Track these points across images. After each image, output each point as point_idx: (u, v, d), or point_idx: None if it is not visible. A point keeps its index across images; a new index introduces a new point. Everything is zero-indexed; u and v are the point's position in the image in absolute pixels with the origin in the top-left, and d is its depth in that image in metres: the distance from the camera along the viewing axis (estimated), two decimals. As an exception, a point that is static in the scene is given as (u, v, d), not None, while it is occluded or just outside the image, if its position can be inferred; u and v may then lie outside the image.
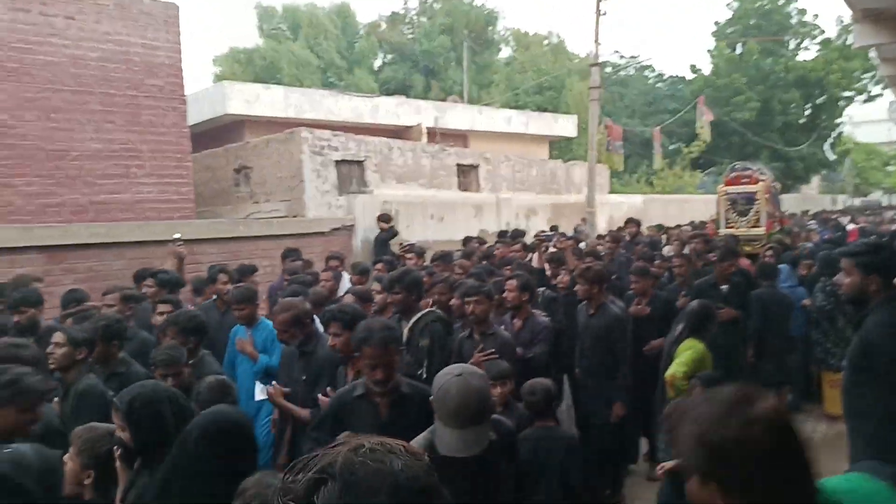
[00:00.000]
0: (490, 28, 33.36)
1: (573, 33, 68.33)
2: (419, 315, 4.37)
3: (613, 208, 16.46)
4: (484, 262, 7.18)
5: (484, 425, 2.28)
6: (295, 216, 10.12)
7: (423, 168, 12.30)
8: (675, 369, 3.94)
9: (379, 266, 6.83)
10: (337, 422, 2.88)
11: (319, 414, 3.37)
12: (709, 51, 32.04)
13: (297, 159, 10.26)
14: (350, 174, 11.03)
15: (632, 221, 10.70)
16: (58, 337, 3.55)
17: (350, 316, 3.52)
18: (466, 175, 13.53)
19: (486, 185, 13.65)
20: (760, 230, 8.89)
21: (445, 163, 12.80)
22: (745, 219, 9.05)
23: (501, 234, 10.70)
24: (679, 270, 6.35)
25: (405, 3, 34.74)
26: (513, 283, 4.72)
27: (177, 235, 6.56)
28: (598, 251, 7.85)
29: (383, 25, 33.34)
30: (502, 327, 4.60)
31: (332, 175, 10.57)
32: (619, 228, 10.99)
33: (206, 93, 14.58)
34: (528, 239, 9.88)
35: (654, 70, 35.39)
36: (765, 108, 29.35)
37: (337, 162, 10.71)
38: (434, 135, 16.42)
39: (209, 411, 2.24)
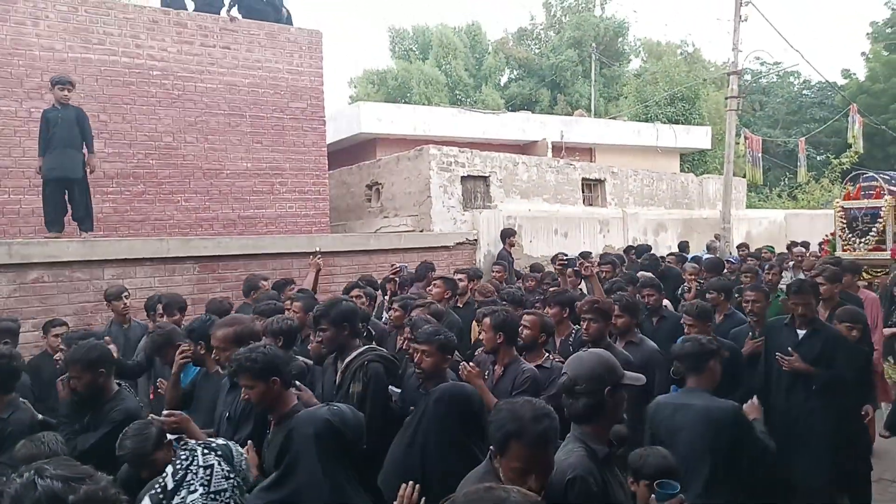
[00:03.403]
0: (620, 39, 32.72)
1: (710, 41, 65.30)
2: (355, 353, 3.60)
3: (751, 224, 15.54)
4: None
5: None
6: (421, 231, 10.46)
7: (548, 183, 12.28)
8: None
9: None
10: None
11: None
12: (863, 54, 29.53)
13: (424, 175, 10.61)
14: (475, 189, 11.24)
15: (742, 246, 10.06)
16: None
17: (261, 364, 2.87)
18: (592, 190, 13.34)
19: (612, 200, 13.38)
20: (885, 254, 7.42)
21: (571, 177, 12.70)
22: (864, 240, 7.63)
23: (627, 250, 10.47)
24: (753, 307, 4.93)
25: (532, 19, 34.93)
26: (486, 321, 3.87)
27: (317, 248, 7.01)
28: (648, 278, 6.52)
29: (511, 42, 33.66)
30: (486, 373, 3.81)
31: (457, 190, 10.83)
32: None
33: (342, 113, 15.43)
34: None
35: (799, 76, 33.09)
36: (931, 115, 26.53)
37: (463, 178, 10.96)
38: (559, 149, 16.34)
39: (447, 384, 3.22)
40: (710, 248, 12.23)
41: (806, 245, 11.06)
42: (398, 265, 6.77)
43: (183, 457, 2.05)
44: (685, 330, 4.57)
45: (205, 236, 8.79)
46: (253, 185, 10.01)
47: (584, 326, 4.13)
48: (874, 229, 7.57)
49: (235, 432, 3.22)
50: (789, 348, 4.48)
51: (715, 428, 3.17)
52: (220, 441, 2.21)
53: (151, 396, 4.94)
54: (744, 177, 16.40)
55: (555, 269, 7.92)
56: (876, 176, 8.15)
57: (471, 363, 3.78)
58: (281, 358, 3.01)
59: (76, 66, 8.62)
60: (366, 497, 2.57)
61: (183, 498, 1.94)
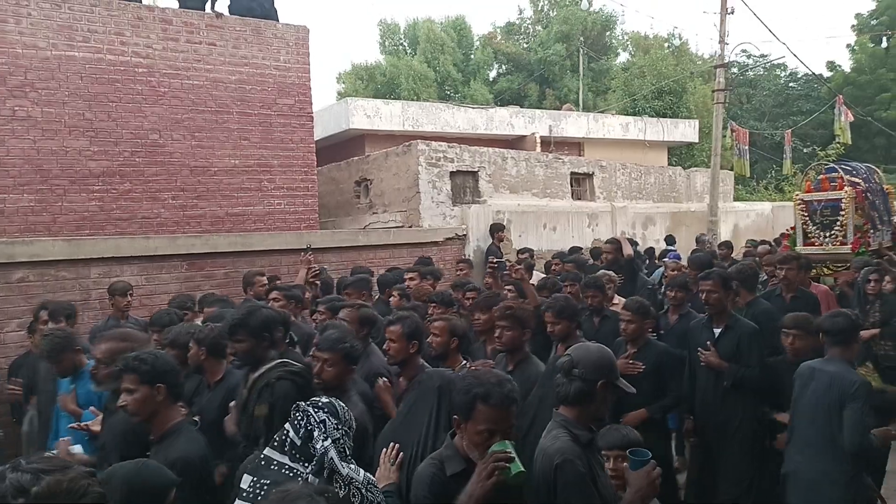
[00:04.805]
0: (608, 33, 32.76)
1: (697, 34, 65.53)
2: (264, 369, 3.19)
3: (739, 216, 15.64)
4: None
5: None
6: (410, 226, 10.46)
7: (537, 177, 12.30)
8: None
9: (395, 295, 5.77)
10: None
11: None
12: (849, 46, 29.75)
13: (413, 171, 10.61)
14: (464, 184, 11.25)
15: (723, 245, 9.80)
16: None
17: (150, 366, 2.66)
18: (581, 184, 13.37)
19: (601, 194, 13.43)
20: (845, 248, 7.02)
21: (559, 172, 12.73)
22: (829, 233, 7.20)
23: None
24: (708, 298, 4.55)
25: (520, 13, 34.91)
26: (395, 329, 3.49)
27: (308, 245, 6.98)
28: (557, 282, 6.10)
29: (498, 36, 33.64)
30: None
31: (446, 186, 10.83)
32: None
33: (330, 109, 15.39)
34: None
35: (785, 69, 33.28)
36: (916, 106, 26.81)
37: (451, 173, 10.96)
38: (548, 144, 16.36)
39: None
40: (699, 242, 12.29)
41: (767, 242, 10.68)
42: (317, 268, 6.50)
43: (299, 417, 2.36)
44: (622, 326, 4.35)
45: (192, 234, 8.76)
46: (241, 182, 9.97)
47: (497, 335, 3.77)
48: (837, 223, 7.16)
49: (110, 455, 2.84)
50: (708, 342, 4.40)
51: (837, 390, 3.50)
52: (325, 399, 2.49)
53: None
54: (731, 169, 16.49)
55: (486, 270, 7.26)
56: (837, 167, 7.77)
57: (383, 379, 3.66)
58: (173, 367, 2.79)
59: (60, 63, 8.55)
60: None
61: (318, 446, 2.27)
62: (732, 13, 15.04)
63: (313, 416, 2.36)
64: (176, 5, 9.77)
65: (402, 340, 3.48)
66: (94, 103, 8.82)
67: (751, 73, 32.65)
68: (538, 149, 15.88)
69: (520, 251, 9.03)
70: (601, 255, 7.83)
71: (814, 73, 26.86)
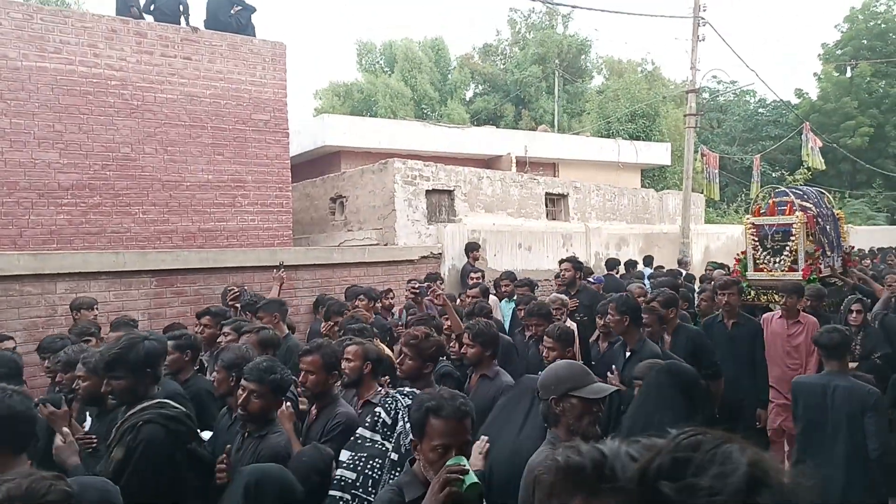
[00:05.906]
0: (583, 57, 33.29)
1: (669, 59, 66.97)
2: (137, 408, 2.92)
3: (710, 239, 15.89)
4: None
5: None
6: (386, 244, 10.42)
7: (512, 197, 12.37)
8: None
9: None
10: None
11: None
12: (815, 74, 30.61)
13: (389, 189, 10.59)
14: (440, 203, 11.26)
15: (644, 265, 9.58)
16: None
17: (6, 413, 2.28)
18: (555, 204, 13.48)
19: (575, 215, 13.54)
20: (797, 275, 6.78)
21: (534, 192, 12.82)
22: (779, 259, 6.96)
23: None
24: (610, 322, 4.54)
25: (497, 35, 35.34)
26: (313, 359, 3.40)
27: (280, 262, 6.91)
28: (488, 307, 5.95)
29: (476, 57, 33.99)
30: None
31: (422, 204, 10.83)
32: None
33: (306, 125, 15.33)
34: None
35: (755, 95, 34.10)
36: (878, 134, 27.69)
37: (427, 191, 10.97)
38: (523, 164, 16.49)
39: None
40: (681, 264, 12.47)
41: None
42: (237, 289, 6.25)
43: (389, 401, 2.81)
44: (544, 353, 4.19)
45: (163, 249, 8.62)
46: (214, 197, 9.85)
47: (399, 361, 3.63)
48: (787, 248, 6.92)
49: None
50: (614, 366, 4.27)
51: (858, 401, 3.80)
52: (408, 389, 2.92)
53: None
54: (702, 192, 16.77)
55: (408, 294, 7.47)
56: (788, 191, 7.67)
57: (288, 404, 3.41)
58: (16, 416, 2.33)
59: (31, 74, 8.40)
60: None
61: (402, 427, 2.64)
62: (703, 40, 15.41)
63: (401, 402, 2.73)
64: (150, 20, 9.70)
65: (321, 372, 3.37)
66: (65, 115, 8.68)
67: (721, 99, 33.40)
68: (513, 169, 15.98)
69: (472, 272, 8.91)
70: (560, 274, 7.67)
71: (782, 100, 27.57)
